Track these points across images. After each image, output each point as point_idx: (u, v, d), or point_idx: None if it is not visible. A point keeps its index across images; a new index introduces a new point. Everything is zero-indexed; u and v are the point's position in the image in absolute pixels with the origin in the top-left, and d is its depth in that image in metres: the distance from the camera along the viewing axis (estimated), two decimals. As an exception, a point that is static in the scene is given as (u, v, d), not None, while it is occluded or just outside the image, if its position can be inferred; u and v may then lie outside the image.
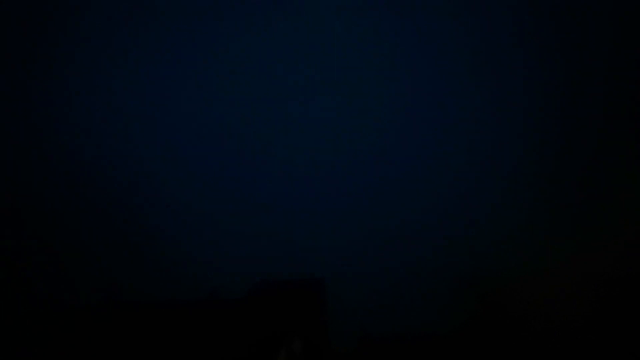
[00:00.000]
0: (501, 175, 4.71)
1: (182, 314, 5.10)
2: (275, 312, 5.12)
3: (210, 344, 5.18)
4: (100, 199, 4.74)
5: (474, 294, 4.92)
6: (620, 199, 4.80)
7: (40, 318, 5.11)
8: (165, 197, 4.88)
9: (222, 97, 5.01)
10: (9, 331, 5.20)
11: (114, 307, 5.02)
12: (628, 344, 4.84)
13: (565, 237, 4.87)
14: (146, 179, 4.85)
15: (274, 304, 5.10)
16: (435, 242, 4.79)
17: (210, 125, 4.93)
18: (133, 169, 4.74)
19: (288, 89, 4.89)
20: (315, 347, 5.05)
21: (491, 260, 4.87)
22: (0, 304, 5.01)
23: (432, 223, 4.78)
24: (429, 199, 4.80)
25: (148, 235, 4.83)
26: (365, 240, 4.90)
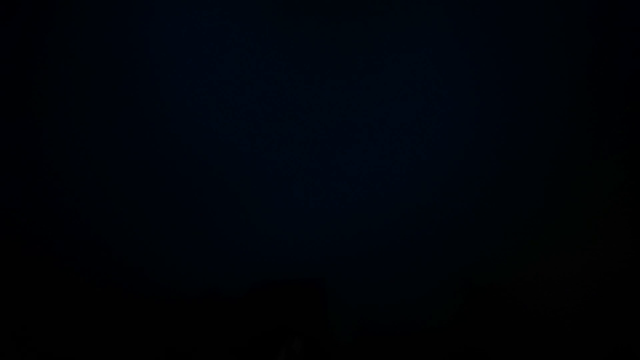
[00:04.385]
0: (496, 175, 4.71)
1: (181, 313, 5.13)
2: (275, 312, 5.15)
3: (210, 344, 5.19)
4: (100, 194, 4.74)
5: (474, 292, 4.95)
6: (618, 195, 4.83)
7: (35, 319, 5.13)
8: (164, 196, 4.87)
9: (223, 97, 4.99)
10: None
11: (112, 305, 5.04)
12: (625, 340, 4.89)
13: (562, 233, 4.89)
14: (145, 176, 4.83)
15: (274, 304, 5.12)
16: (436, 242, 4.80)
17: (210, 124, 4.91)
18: (132, 167, 4.72)
19: (287, 89, 4.88)
20: (316, 346, 5.07)
21: (490, 257, 4.90)
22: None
23: (434, 222, 4.79)
24: (429, 199, 4.80)
25: (146, 234, 4.81)
26: (365, 240, 4.90)
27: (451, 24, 5.08)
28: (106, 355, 5.13)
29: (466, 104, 5.19)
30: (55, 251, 5.25)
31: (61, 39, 5.20)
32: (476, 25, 5.08)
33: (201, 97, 5.41)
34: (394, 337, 5.20)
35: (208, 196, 5.37)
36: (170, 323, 5.19)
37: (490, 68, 5.12)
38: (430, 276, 5.23)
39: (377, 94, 5.33)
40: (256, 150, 5.39)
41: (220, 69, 5.41)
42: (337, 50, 5.29)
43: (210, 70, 5.39)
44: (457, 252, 5.25)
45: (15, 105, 5.22)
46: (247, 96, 5.39)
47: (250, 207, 5.36)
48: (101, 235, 5.32)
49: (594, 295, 5.01)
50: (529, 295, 5.08)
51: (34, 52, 5.21)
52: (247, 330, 5.16)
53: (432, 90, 5.22)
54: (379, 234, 5.31)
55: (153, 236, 5.34)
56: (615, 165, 5.07)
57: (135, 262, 5.30)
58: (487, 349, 5.04)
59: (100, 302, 5.22)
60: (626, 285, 5.00)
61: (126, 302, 5.22)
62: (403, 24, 5.13)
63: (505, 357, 5.01)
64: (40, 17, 5.19)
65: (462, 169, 5.24)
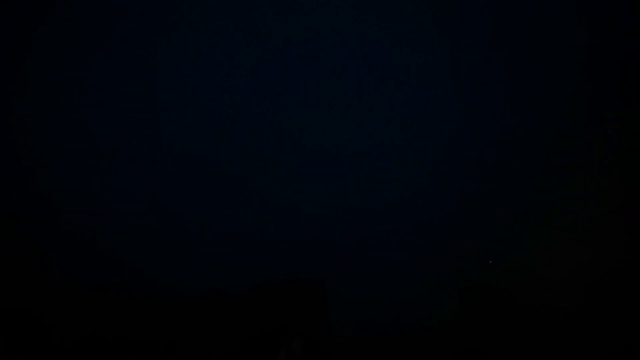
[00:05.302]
0: (497, 176, 4.67)
1: (181, 313, 5.11)
2: (275, 312, 5.14)
3: (210, 344, 5.18)
4: (100, 195, 4.71)
5: (474, 292, 4.94)
6: (618, 196, 4.79)
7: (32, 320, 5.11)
8: (164, 195, 4.84)
9: (221, 97, 4.97)
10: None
11: (112, 305, 5.01)
12: (625, 340, 4.86)
13: (562, 233, 4.85)
14: (146, 176, 4.80)
15: (274, 304, 5.11)
16: (437, 243, 4.77)
17: (209, 124, 4.89)
18: (133, 167, 4.70)
19: (285, 88, 4.85)
20: (316, 346, 5.05)
21: (489, 257, 4.87)
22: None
23: (434, 224, 4.76)
24: (429, 201, 4.78)
25: (147, 235, 4.78)
26: (366, 241, 4.87)
27: (446, 22, 5.07)
28: (106, 354, 5.12)
29: (466, 105, 5.18)
30: (56, 251, 5.24)
31: (62, 42, 5.19)
32: (471, 23, 5.07)
33: (201, 99, 5.40)
34: (394, 337, 5.19)
35: (208, 197, 5.36)
36: (171, 323, 5.18)
37: (488, 68, 5.11)
38: (430, 277, 5.22)
39: (373, 94, 5.32)
40: (256, 152, 5.38)
41: (218, 73, 5.40)
42: (330, 50, 5.27)
43: (209, 73, 5.38)
44: (457, 253, 5.24)
45: (15, 104, 5.21)
46: (245, 99, 5.38)
47: (250, 208, 5.35)
48: (102, 236, 5.31)
49: (594, 295, 5.01)
50: (529, 295, 5.08)
51: (36, 51, 5.21)
52: (247, 330, 5.16)
53: (430, 90, 5.21)
54: (379, 235, 5.30)
55: (154, 237, 5.33)
56: (614, 165, 5.06)
57: (135, 263, 5.29)
58: (487, 349, 5.03)
59: (101, 302, 5.21)
60: (626, 285, 4.99)
61: (126, 302, 5.21)
62: (398, 22, 5.12)
63: (505, 357, 5.01)
64: (39, 16, 5.19)
65: (462, 171, 5.23)
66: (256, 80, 5.34)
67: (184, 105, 5.31)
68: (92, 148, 5.27)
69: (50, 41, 5.20)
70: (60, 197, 5.26)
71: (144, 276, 5.27)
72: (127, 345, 5.14)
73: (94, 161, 5.27)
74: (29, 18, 5.18)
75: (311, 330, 5.16)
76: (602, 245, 5.06)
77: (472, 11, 5.01)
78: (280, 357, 5.00)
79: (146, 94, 5.29)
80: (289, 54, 5.31)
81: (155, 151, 5.33)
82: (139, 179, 5.34)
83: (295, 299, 5.21)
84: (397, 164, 5.31)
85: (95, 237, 5.29)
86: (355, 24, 5.21)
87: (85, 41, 5.20)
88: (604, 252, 5.05)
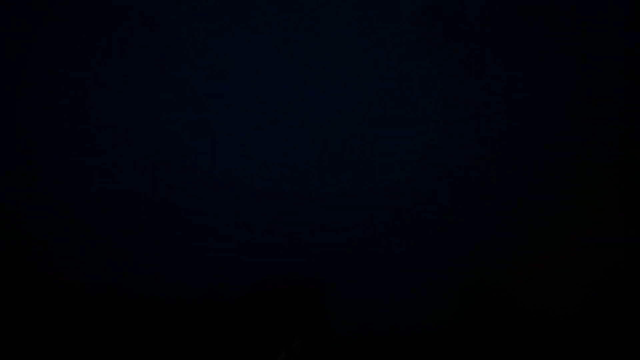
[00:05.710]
0: (496, 176, 4.66)
1: (181, 313, 5.12)
2: (275, 312, 5.15)
3: (210, 343, 5.19)
4: (100, 195, 4.70)
5: (474, 292, 4.95)
6: (618, 195, 4.78)
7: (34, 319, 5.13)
8: (164, 195, 4.82)
9: (221, 97, 4.94)
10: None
11: (113, 305, 5.03)
12: (625, 340, 4.88)
13: (562, 232, 4.85)
14: (145, 175, 4.78)
15: (274, 304, 5.12)
16: (436, 242, 4.77)
17: (208, 124, 4.88)
18: (133, 166, 4.68)
19: (283, 88, 4.83)
20: (316, 346, 5.06)
21: (489, 256, 4.87)
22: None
23: (433, 223, 4.76)
24: (428, 200, 4.77)
25: (147, 234, 4.78)
26: (365, 240, 4.87)
27: (446, 20, 5.08)
28: (106, 354, 5.13)
29: (464, 103, 5.19)
30: (57, 251, 5.25)
31: (62, 42, 5.20)
32: (471, 24, 5.08)
33: (201, 99, 5.41)
34: (394, 337, 5.19)
35: (208, 196, 5.37)
36: (171, 323, 5.18)
37: (488, 69, 5.12)
38: (430, 276, 5.23)
39: (371, 93, 5.33)
40: (256, 151, 5.39)
41: (219, 73, 5.41)
42: (330, 50, 5.28)
43: (209, 73, 5.39)
44: (457, 252, 5.25)
45: (15, 104, 5.22)
46: (245, 98, 5.39)
47: (250, 208, 5.36)
48: (102, 236, 5.32)
49: (594, 295, 5.01)
50: (529, 295, 5.08)
51: (36, 51, 5.21)
52: (247, 330, 5.16)
53: (430, 89, 5.22)
54: (380, 235, 5.31)
55: (154, 236, 5.34)
56: (614, 164, 5.06)
57: (136, 262, 5.30)
58: (487, 349, 5.04)
59: (101, 302, 5.22)
60: (626, 285, 4.99)
61: (127, 302, 5.21)
62: (398, 21, 5.13)
63: (505, 357, 5.01)
64: (39, 16, 5.20)
65: (462, 171, 5.24)
66: (256, 79, 5.35)
67: (183, 105, 5.32)
68: (92, 148, 5.28)
69: (50, 41, 5.21)
70: (60, 197, 5.26)
71: (144, 276, 5.28)
72: (127, 345, 5.14)
73: (94, 161, 5.28)
74: (29, 18, 5.18)
75: (311, 330, 5.16)
76: (602, 245, 5.06)
77: (471, 6, 5.02)
78: (280, 357, 5.00)
79: (146, 94, 5.30)
80: (288, 53, 5.31)
81: (154, 151, 5.34)
82: (138, 178, 5.34)
83: (295, 299, 5.21)
84: (397, 163, 5.32)
85: (96, 236, 5.30)
86: (355, 24, 5.22)
87: (85, 41, 5.20)
88: (604, 252, 5.05)
